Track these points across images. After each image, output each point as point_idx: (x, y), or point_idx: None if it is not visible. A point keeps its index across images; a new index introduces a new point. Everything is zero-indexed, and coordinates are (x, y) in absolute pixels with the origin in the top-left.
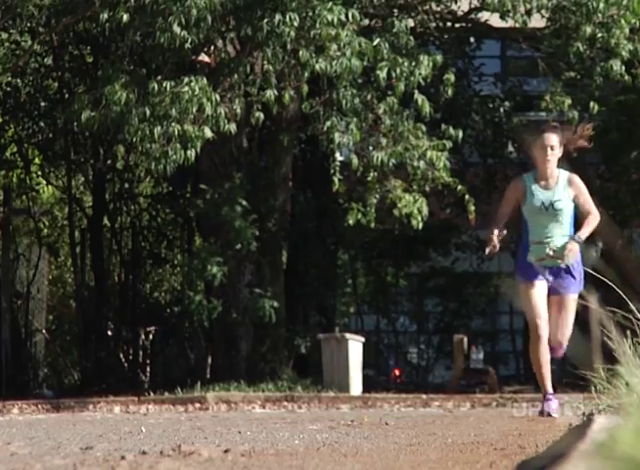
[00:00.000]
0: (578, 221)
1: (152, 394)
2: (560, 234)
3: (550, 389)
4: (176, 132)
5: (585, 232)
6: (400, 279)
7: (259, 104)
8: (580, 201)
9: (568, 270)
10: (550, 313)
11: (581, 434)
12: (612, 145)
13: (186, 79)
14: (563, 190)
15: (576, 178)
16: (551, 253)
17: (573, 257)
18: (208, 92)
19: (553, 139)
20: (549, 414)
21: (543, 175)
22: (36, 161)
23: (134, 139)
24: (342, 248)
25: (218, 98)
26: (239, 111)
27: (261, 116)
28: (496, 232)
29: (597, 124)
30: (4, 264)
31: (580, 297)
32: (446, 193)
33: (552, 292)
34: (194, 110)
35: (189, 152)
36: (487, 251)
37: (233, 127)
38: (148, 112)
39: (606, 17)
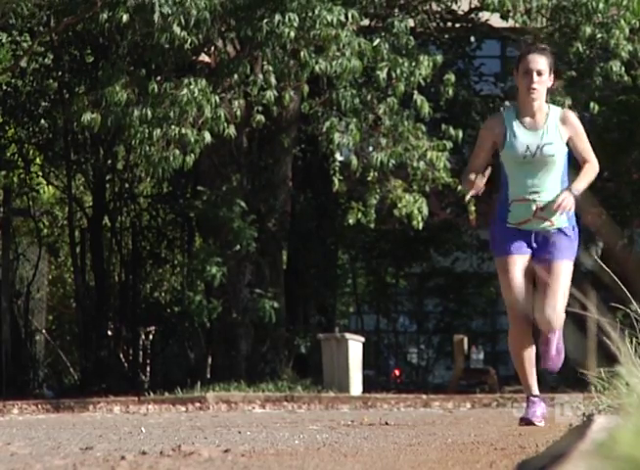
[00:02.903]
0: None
1: (152, 394)
2: (550, 188)
3: (535, 389)
4: (175, 135)
5: (582, 183)
6: (400, 279)
7: (259, 105)
8: (576, 144)
9: (560, 232)
10: (537, 287)
11: (581, 434)
12: (612, 145)
13: (185, 81)
14: (554, 130)
15: (572, 115)
16: (538, 211)
17: (567, 211)
18: (208, 94)
19: (540, 62)
20: (530, 422)
21: (528, 110)
22: (37, 161)
23: (133, 141)
24: (342, 248)
25: (218, 100)
26: (239, 112)
27: (262, 118)
28: (472, 175)
29: (598, 124)
30: (4, 264)
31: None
32: (446, 193)
33: (538, 259)
34: (193, 112)
35: (188, 157)
36: (469, 195)
37: (232, 131)
38: (149, 113)
39: (606, 17)
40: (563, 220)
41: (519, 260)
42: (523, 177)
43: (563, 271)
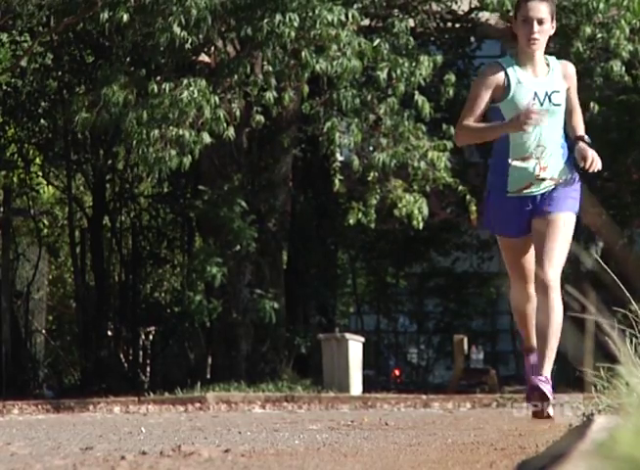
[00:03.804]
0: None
1: (152, 394)
2: (554, 144)
3: (535, 347)
4: (173, 136)
5: (583, 129)
6: (400, 279)
7: (259, 105)
8: (571, 97)
9: (560, 185)
10: (534, 239)
11: (581, 434)
12: (612, 145)
13: (185, 82)
14: (560, 79)
15: (572, 66)
16: (541, 173)
17: (568, 161)
18: (207, 94)
19: (541, 9)
20: (541, 391)
21: (527, 61)
22: (37, 161)
23: (132, 142)
24: (342, 248)
25: (217, 100)
26: (238, 113)
27: (262, 119)
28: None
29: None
30: (4, 264)
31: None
32: (447, 193)
33: (538, 213)
34: (192, 113)
35: (185, 158)
36: (532, 121)
37: (231, 132)
38: (145, 115)
39: (606, 17)
40: (566, 172)
41: (523, 243)
42: (526, 132)
43: (563, 224)
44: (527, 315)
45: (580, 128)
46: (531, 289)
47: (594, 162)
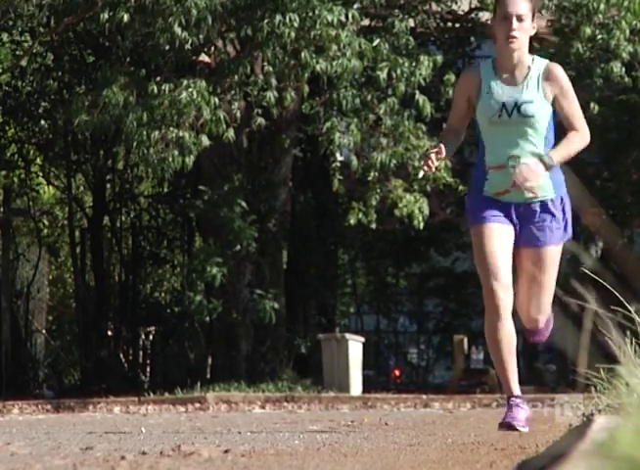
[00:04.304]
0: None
1: (152, 394)
2: (532, 154)
3: (516, 390)
4: (173, 138)
5: (562, 152)
6: (400, 279)
7: (259, 106)
8: (562, 106)
9: (545, 208)
10: (519, 274)
11: (581, 434)
12: (612, 145)
13: (185, 82)
14: (536, 86)
15: (558, 69)
16: (518, 180)
17: (535, 179)
18: (207, 96)
19: (521, 5)
20: (512, 427)
21: (507, 62)
22: (37, 161)
23: (133, 143)
24: (342, 248)
25: (217, 101)
26: (239, 114)
27: (262, 120)
28: (434, 149)
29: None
30: (4, 264)
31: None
32: (447, 193)
33: (522, 242)
34: (192, 114)
35: (187, 159)
36: (421, 173)
37: (231, 134)
38: (145, 116)
39: (606, 18)
40: (548, 190)
41: (497, 230)
42: (500, 141)
43: (549, 260)
44: (506, 353)
45: (559, 147)
46: (510, 319)
47: (519, 178)
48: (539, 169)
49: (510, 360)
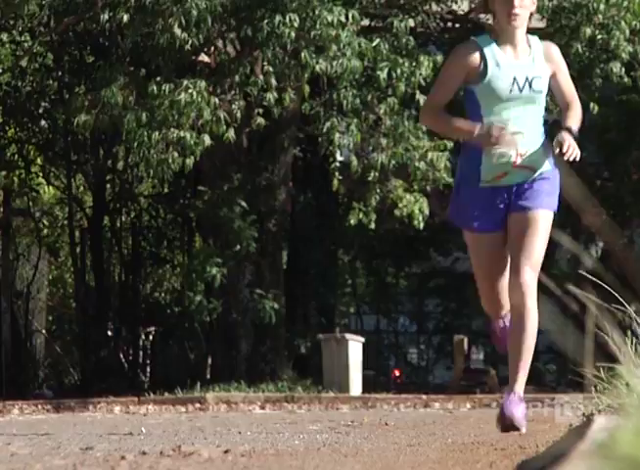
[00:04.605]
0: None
1: (152, 394)
2: (533, 133)
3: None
4: (174, 138)
5: (577, 122)
6: (401, 279)
7: (259, 106)
8: (560, 82)
9: (538, 179)
10: (510, 240)
11: (581, 434)
12: (612, 145)
13: (185, 83)
14: (541, 63)
15: (556, 48)
16: (518, 160)
17: (548, 153)
18: (207, 96)
19: None
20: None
21: (508, 40)
22: (37, 161)
23: (133, 144)
24: (342, 248)
25: (217, 102)
26: (239, 115)
27: (262, 121)
28: (476, 126)
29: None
30: (4, 264)
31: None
32: (447, 193)
33: (513, 208)
34: (192, 115)
35: (187, 160)
36: (513, 155)
37: (232, 134)
38: (144, 117)
39: (606, 18)
40: (545, 164)
41: (495, 240)
42: (503, 118)
43: (540, 223)
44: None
45: (572, 118)
46: (504, 299)
47: (570, 149)
48: (573, 141)
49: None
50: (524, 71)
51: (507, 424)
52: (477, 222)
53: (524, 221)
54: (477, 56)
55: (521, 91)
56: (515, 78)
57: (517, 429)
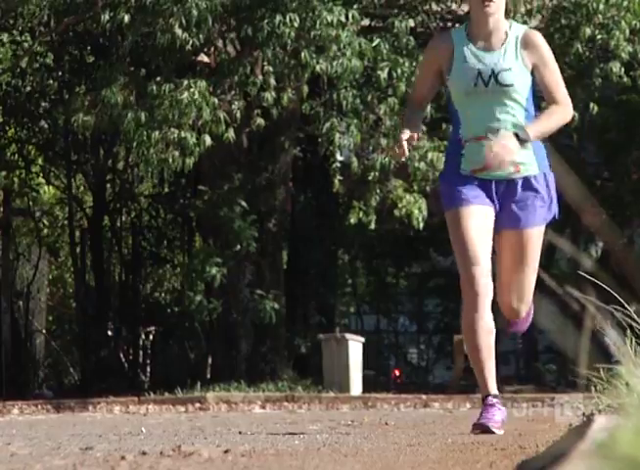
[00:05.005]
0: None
1: (152, 394)
2: (513, 126)
3: (493, 389)
4: (174, 138)
5: (540, 126)
6: (401, 279)
7: (259, 107)
8: (542, 75)
9: (528, 184)
10: (499, 260)
11: (581, 434)
12: (612, 145)
13: (185, 83)
14: (514, 54)
15: (537, 36)
16: (490, 162)
17: (508, 155)
18: (207, 96)
19: None
20: (486, 429)
21: (482, 28)
22: (39, 161)
23: (133, 144)
24: (342, 248)
25: (217, 102)
26: (239, 115)
27: (262, 122)
28: (406, 133)
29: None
30: (4, 264)
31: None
32: None
33: (502, 223)
34: (192, 115)
35: (187, 160)
36: (396, 159)
37: (232, 134)
38: (143, 117)
39: (606, 18)
40: (532, 166)
41: (477, 213)
42: (477, 113)
43: (532, 243)
44: (484, 349)
45: (537, 121)
46: (489, 311)
47: (493, 152)
48: (513, 145)
49: (488, 356)
50: (490, 65)
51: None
52: (460, 194)
53: (517, 242)
54: (448, 48)
55: (486, 85)
56: (479, 72)
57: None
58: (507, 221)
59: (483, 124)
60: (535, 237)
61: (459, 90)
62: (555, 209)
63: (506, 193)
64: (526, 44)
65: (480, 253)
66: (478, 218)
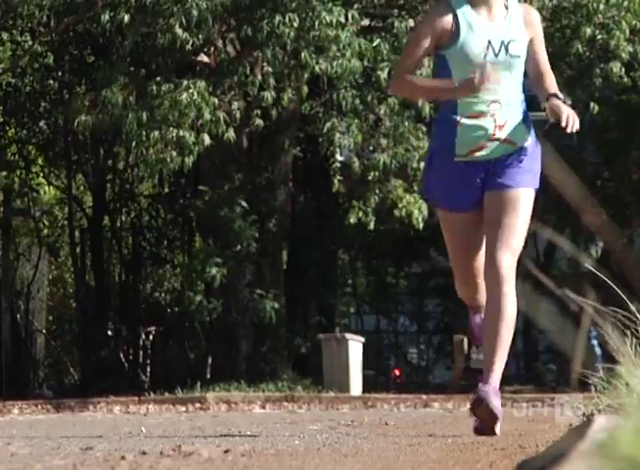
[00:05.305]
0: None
1: (152, 394)
2: (512, 101)
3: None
4: (173, 138)
5: (554, 83)
6: (401, 279)
7: (259, 107)
8: (536, 50)
9: (518, 155)
10: (486, 221)
11: (581, 434)
12: (612, 145)
13: (185, 83)
14: (519, 26)
15: (535, 12)
16: (497, 132)
17: (527, 123)
18: (207, 96)
19: None
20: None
21: (483, 0)
22: (39, 161)
23: (133, 143)
24: (342, 248)
25: (217, 102)
26: (238, 115)
27: (261, 122)
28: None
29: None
30: (4, 264)
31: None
32: None
33: (489, 185)
34: (192, 115)
35: (187, 159)
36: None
37: (231, 134)
38: (145, 116)
39: (606, 18)
40: (525, 136)
41: (471, 220)
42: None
43: (521, 203)
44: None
45: (553, 85)
46: (481, 282)
47: (570, 119)
48: (571, 110)
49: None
50: (499, 35)
51: (483, 411)
52: (451, 201)
53: (502, 201)
54: (449, 17)
55: (496, 56)
56: (490, 42)
57: (494, 417)
58: (493, 183)
59: (486, 98)
60: (524, 197)
61: (465, 61)
62: (537, 182)
63: (498, 163)
64: (527, 19)
65: (473, 258)
66: (470, 223)
